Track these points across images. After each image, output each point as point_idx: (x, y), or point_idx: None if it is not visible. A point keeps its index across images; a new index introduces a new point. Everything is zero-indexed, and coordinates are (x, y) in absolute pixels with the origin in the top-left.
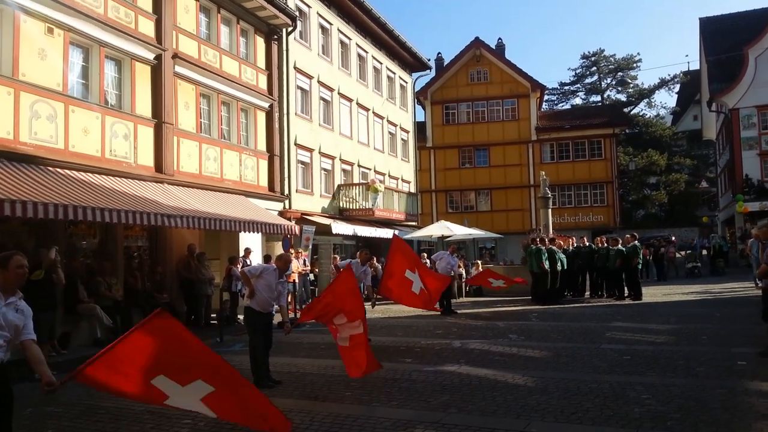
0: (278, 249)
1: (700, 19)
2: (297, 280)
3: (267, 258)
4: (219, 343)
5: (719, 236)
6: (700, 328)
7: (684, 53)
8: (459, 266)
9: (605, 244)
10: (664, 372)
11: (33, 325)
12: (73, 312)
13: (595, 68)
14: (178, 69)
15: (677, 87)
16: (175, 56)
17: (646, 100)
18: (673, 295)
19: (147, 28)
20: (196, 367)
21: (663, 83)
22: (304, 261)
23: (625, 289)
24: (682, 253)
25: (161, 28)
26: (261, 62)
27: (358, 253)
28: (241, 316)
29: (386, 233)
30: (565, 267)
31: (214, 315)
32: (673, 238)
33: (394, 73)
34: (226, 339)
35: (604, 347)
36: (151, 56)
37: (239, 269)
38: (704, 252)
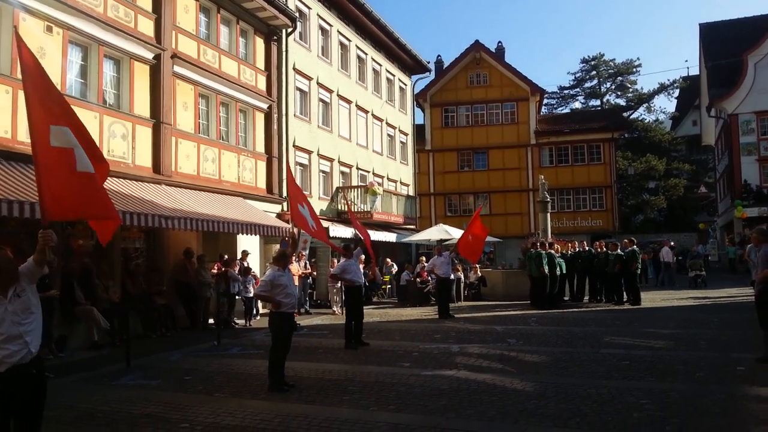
0: (275, 251)
1: (700, 24)
2: (297, 284)
3: (244, 253)
4: (216, 346)
5: (719, 241)
6: (699, 334)
7: (684, 58)
8: (457, 269)
9: (604, 249)
10: (663, 377)
11: None
12: (70, 314)
13: (594, 73)
14: (177, 69)
15: (677, 92)
16: (174, 56)
17: (645, 105)
18: (671, 300)
19: (146, 27)
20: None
21: (662, 88)
22: (305, 264)
23: (624, 294)
24: (679, 258)
25: (161, 27)
26: (260, 63)
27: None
28: (239, 320)
29: (385, 236)
30: (564, 271)
31: (211, 320)
32: (672, 243)
33: (394, 76)
34: (224, 342)
35: (603, 352)
36: (150, 56)
37: (236, 271)
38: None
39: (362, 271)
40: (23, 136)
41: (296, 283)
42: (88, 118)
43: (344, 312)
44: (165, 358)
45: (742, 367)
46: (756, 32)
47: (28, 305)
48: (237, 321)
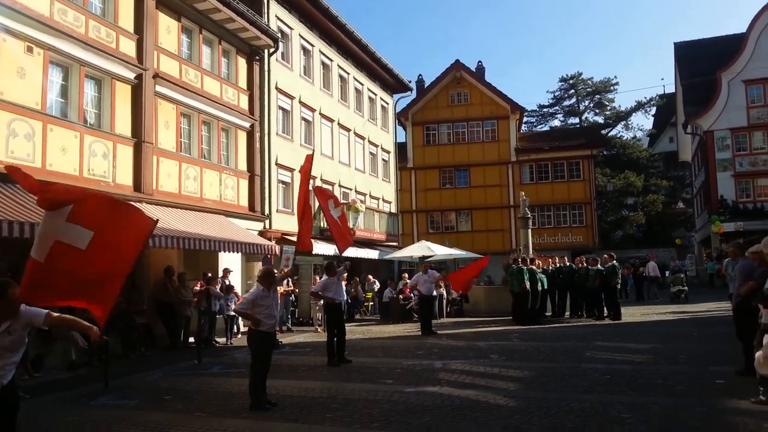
0: (258, 269)
1: (675, 43)
2: (279, 301)
3: (226, 271)
4: (197, 365)
5: (696, 256)
6: (679, 348)
7: (660, 77)
8: (440, 286)
9: (585, 264)
10: (644, 391)
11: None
12: (47, 333)
13: (573, 91)
14: (159, 88)
15: (653, 110)
16: (156, 76)
17: (623, 123)
18: (651, 315)
19: (128, 47)
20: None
21: (639, 106)
22: (288, 281)
23: (605, 309)
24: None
25: (143, 47)
26: (243, 82)
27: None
28: (219, 339)
29: (367, 253)
30: (546, 287)
31: (192, 339)
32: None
33: (376, 95)
34: (205, 361)
35: (585, 367)
36: (131, 76)
37: (218, 289)
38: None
39: (344, 288)
40: (1, 155)
41: (278, 300)
42: (68, 137)
43: (326, 329)
44: (144, 377)
45: (721, 380)
46: (729, 51)
47: (15, 346)
48: (218, 339)
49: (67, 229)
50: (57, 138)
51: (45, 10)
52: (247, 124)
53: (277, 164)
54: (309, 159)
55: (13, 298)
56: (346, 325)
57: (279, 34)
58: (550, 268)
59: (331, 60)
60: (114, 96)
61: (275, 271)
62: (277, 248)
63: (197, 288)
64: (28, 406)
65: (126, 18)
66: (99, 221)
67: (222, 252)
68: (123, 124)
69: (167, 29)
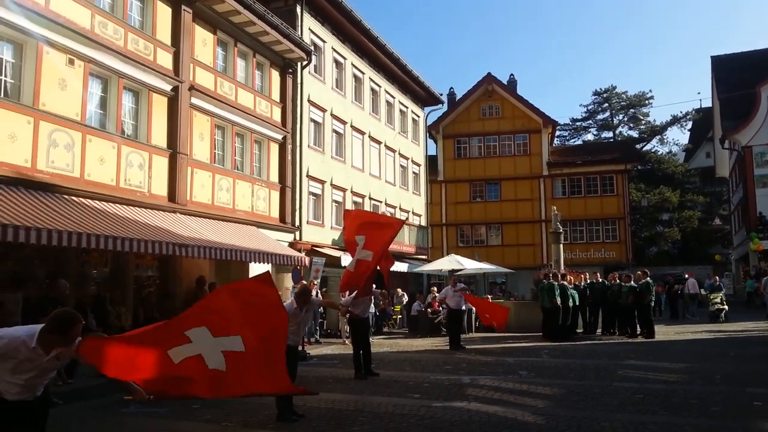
0: (288, 280)
1: (712, 57)
2: (309, 317)
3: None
4: None
5: (734, 274)
6: (714, 367)
7: (696, 91)
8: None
9: (618, 281)
10: (678, 411)
11: None
12: None
13: (607, 105)
14: (195, 101)
15: (689, 124)
16: (192, 88)
17: (658, 137)
18: (686, 334)
19: (165, 60)
20: (247, 326)
21: (675, 120)
22: (316, 293)
23: (638, 326)
24: (702, 291)
25: (179, 60)
26: (276, 95)
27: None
28: None
29: (397, 266)
30: (577, 303)
31: None
32: (686, 275)
33: (407, 107)
34: None
35: (616, 385)
36: (168, 88)
37: None
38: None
39: (373, 301)
40: (42, 164)
41: (308, 320)
42: (106, 148)
43: (352, 343)
44: None
45: (759, 402)
46: None
47: (57, 367)
48: None
49: (213, 352)
50: (95, 148)
51: (86, 23)
52: (279, 136)
53: (308, 176)
54: (399, 224)
55: (75, 335)
56: (374, 338)
57: (312, 47)
58: (582, 284)
59: (363, 73)
60: (151, 107)
61: (311, 290)
62: (307, 260)
63: None
64: (60, 413)
65: (163, 31)
66: (244, 379)
67: (252, 263)
68: (159, 135)
69: (203, 42)
